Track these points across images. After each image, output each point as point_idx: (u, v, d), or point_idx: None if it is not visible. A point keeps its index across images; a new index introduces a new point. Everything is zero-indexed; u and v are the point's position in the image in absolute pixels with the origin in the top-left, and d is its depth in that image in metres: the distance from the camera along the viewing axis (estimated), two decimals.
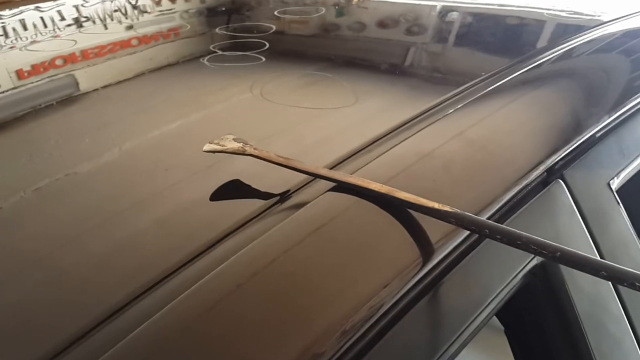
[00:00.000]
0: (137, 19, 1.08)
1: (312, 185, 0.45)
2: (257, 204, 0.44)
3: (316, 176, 0.45)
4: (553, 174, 0.54)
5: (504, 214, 0.48)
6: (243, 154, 0.46)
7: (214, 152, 0.47)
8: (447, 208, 0.39)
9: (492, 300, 0.44)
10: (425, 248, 0.41)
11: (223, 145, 0.47)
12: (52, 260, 0.41)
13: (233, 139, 0.47)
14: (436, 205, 0.39)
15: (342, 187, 0.43)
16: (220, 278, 0.36)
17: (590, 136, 0.60)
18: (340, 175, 0.44)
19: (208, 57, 0.81)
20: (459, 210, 0.39)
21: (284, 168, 0.45)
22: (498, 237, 0.38)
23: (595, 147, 0.61)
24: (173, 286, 0.36)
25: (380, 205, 0.42)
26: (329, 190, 0.43)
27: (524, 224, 0.49)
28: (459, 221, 0.39)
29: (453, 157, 0.50)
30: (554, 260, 0.36)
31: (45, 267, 0.40)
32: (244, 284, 0.36)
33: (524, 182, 0.50)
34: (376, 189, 0.42)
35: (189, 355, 0.32)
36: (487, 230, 0.38)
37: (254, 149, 0.46)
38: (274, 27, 0.96)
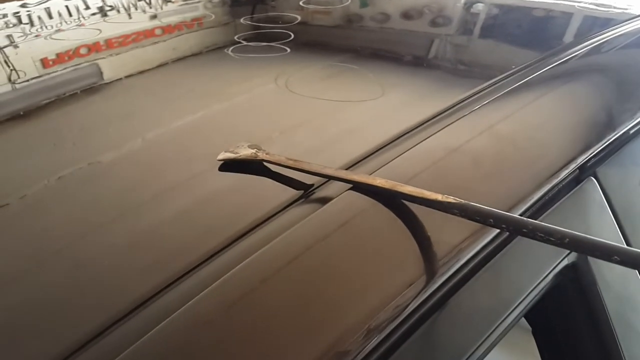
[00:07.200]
0: (161, 8, 1.08)
1: (334, 182, 0.44)
2: (279, 199, 0.43)
3: (325, 177, 0.44)
4: (585, 172, 0.53)
5: (535, 212, 0.46)
6: (255, 159, 0.47)
7: (227, 160, 0.48)
8: (450, 199, 0.38)
9: (521, 301, 0.43)
10: (453, 247, 0.40)
11: (237, 153, 0.48)
12: (74, 251, 0.40)
13: (248, 146, 0.49)
14: (439, 197, 0.38)
15: (361, 186, 0.42)
16: (244, 273, 0.35)
17: (624, 133, 0.58)
18: (349, 174, 0.43)
19: (232, 47, 0.81)
20: (462, 201, 0.38)
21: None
22: (503, 226, 0.36)
23: (628, 144, 0.59)
24: (197, 280, 0.35)
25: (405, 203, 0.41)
26: (351, 188, 0.43)
27: (555, 222, 0.47)
28: (462, 212, 0.38)
29: (482, 153, 0.49)
30: (562, 247, 0.35)
31: (67, 258, 0.40)
32: (269, 280, 0.35)
33: (556, 180, 0.48)
34: (380, 185, 0.41)
35: (213, 350, 0.32)
36: (492, 220, 0.37)
37: (266, 154, 0.47)
38: (299, 18, 0.95)
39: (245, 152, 0.48)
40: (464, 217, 0.38)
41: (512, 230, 0.36)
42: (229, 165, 0.47)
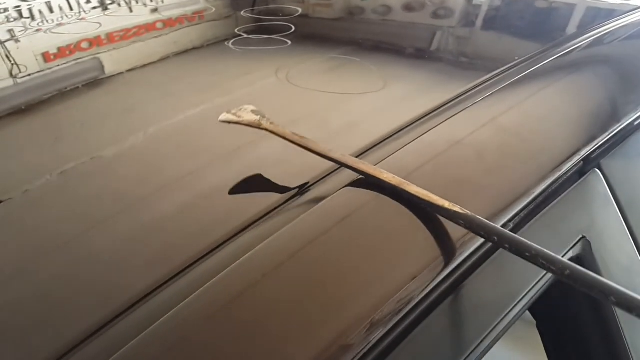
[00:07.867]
0: (162, 1, 1.07)
1: (336, 175, 0.44)
2: (281, 192, 0.43)
3: (328, 159, 0.43)
4: (590, 164, 0.52)
5: (539, 204, 0.46)
6: (258, 127, 0.45)
7: (229, 122, 0.46)
8: (457, 208, 0.37)
9: (526, 294, 0.42)
10: (457, 239, 0.40)
11: (239, 117, 0.46)
12: (76, 245, 0.40)
13: (251, 111, 0.47)
14: (446, 204, 0.38)
15: (366, 177, 0.42)
16: (246, 267, 0.35)
17: (628, 124, 0.58)
18: (356, 162, 0.42)
19: (233, 40, 0.80)
20: (469, 213, 0.37)
21: (305, 151, 0.44)
22: (507, 246, 0.35)
23: (633, 135, 0.59)
24: (198, 274, 0.35)
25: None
26: (352, 182, 0.42)
27: (559, 215, 0.47)
28: (467, 224, 0.37)
29: (485, 145, 0.48)
30: (562, 279, 0.34)
31: (69, 253, 0.40)
32: (271, 274, 0.35)
33: (560, 172, 0.48)
34: (387, 180, 0.40)
35: (215, 344, 0.31)
36: (496, 238, 0.36)
37: (270, 123, 0.45)
38: (300, 10, 0.95)
39: (248, 117, 0.46)
40: (468, 229, 0.37)
41: (515, 251, 0.35)
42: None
